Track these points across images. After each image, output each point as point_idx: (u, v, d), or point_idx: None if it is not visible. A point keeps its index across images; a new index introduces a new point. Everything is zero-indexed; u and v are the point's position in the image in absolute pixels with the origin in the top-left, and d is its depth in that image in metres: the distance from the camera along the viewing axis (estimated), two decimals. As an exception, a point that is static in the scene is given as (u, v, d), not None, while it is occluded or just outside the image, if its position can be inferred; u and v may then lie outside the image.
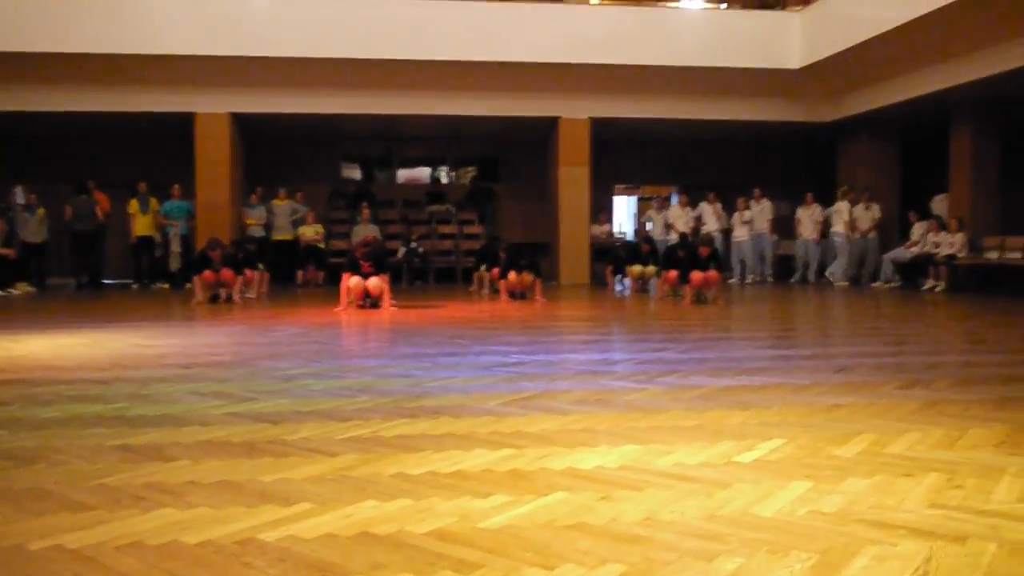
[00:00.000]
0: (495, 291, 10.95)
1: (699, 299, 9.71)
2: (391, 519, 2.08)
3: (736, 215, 14.26)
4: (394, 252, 13.87)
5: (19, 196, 13.62)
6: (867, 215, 13.50)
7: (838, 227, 13.37)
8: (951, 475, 2.45)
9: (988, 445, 2.82)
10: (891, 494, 2.27)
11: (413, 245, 14.48)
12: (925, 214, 13.01)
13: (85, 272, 13.23)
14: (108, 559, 1.82)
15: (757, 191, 14.35)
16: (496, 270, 11.03)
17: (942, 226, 12.16)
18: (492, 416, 3.31)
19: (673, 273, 10.12)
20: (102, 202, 13.21)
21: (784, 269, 14.58)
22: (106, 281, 13.64)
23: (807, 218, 14.05)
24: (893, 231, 13.96)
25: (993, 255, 11.74)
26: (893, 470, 2.51)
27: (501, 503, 2.21)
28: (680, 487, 2.35)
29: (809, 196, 14.10)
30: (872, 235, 13.47)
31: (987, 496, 2.26)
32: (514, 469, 2.54)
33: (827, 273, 13.65)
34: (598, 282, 13.62)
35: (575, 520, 2.07)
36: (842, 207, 13.41)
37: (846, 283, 13.10)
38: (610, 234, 15.83)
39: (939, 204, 13.47)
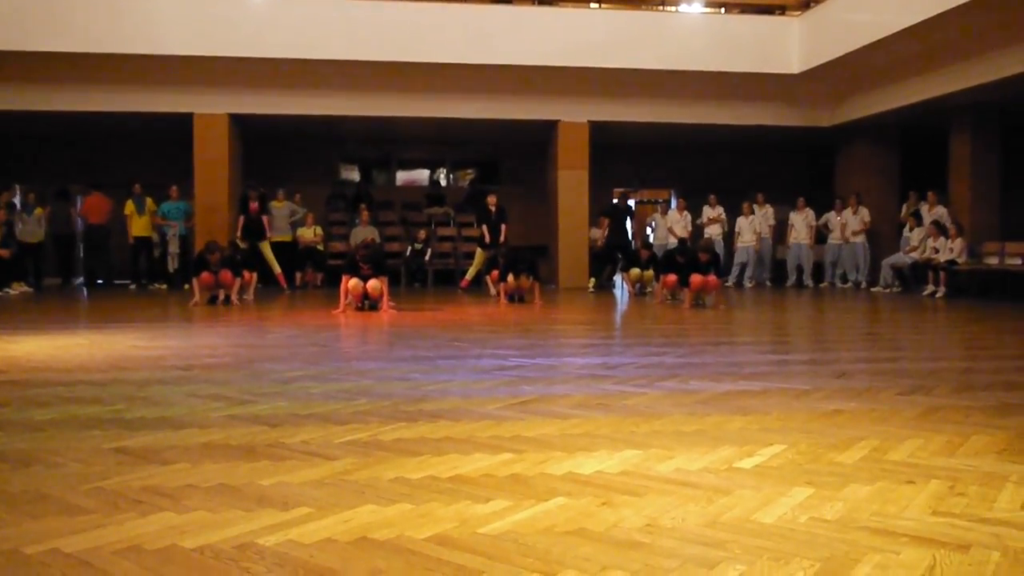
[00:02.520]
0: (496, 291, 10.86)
1: (698, 303, 9.70)
2: (390, 524, 2.07)
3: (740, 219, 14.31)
4: (394, 254, 13.81)
5: (16, 196, 13.64)
6: (855, 219, 13.54)
7: None
8: (953, 482, 2.45)
9: (990, 452, 2.81)
10: (893, 501, 2.26)
11: (417, 246, 14.46)
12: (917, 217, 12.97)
13: (65, 273, 13.65)
14: (105, 563, 1.81)
15: (760, 196, 14.36)
16: (495, 273, 11.00)
17: (941, 231, 12.13)
18: (491, 420, 3.30)
19: (672, 277, 10.11)
20: (100, 204, 13.20)
21: (779, 274, 14.58)
22: (100, 281, 13.65)
23: (800, 222, 14.10)
24: (892, 236, 13.96)
25: (993, 261, 11.74)
26: (895, 477, 2.50)
27: (501, 508, 2.20)
28: (681, 493, 2.34)
29: (801, 200, 14.18)
30: (861, 239, 13.52)
31: (990, 504, 2.25)
32: (514, 474, 2.53)
33: None
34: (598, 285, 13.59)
35: (575, 526, 2.06)
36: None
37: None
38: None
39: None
